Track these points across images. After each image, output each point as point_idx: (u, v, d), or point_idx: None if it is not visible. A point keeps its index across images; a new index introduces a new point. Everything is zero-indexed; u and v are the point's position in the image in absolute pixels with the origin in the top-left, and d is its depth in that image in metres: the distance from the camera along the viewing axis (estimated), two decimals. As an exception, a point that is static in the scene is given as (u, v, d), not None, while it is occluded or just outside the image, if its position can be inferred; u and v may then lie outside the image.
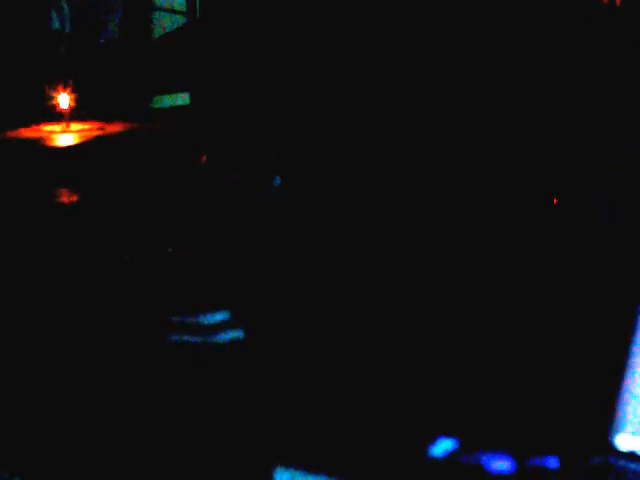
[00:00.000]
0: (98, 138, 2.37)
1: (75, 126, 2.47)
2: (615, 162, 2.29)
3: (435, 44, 2.47)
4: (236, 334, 1.78)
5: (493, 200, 2.30)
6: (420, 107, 2.47)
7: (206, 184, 2.34)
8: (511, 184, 2.33)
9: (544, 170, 2.35)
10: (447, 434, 1.46)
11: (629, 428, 1.37)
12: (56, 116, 2.50)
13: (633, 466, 1.36)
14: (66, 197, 2.21)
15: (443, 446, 1.45)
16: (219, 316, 1.82)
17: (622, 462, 1.36)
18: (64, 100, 2.50)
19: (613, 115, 2.35)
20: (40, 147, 2.36)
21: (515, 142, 2.40)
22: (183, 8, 3.05)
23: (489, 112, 2.43)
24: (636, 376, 1.41)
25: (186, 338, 1.78)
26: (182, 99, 2.93)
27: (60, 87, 2.55)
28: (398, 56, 2.50)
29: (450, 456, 1.43)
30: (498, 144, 2.41)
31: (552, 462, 1.40)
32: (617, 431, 1.38)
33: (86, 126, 2.47)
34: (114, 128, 2.43)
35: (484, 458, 1.41)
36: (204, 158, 2.38)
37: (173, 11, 3.07)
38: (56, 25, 2.95)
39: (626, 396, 1.40)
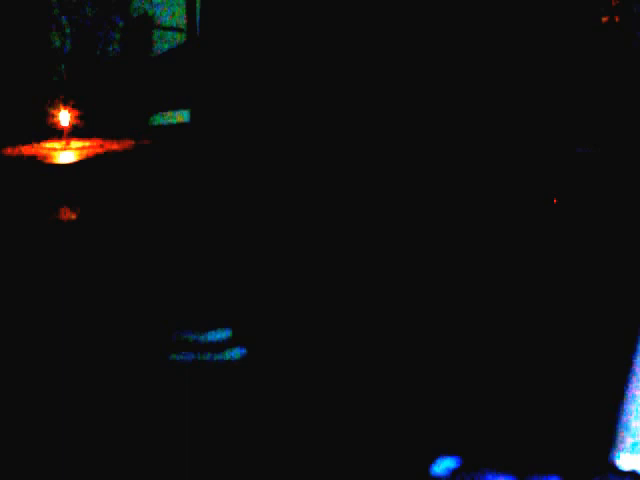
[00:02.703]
0: (99, 155, 2.37)
1: (75, 143, 2.47)
2: (615, 162, 2.29)
3: (435, 44, 2.47)
4: (239, 352, 1.78)
5: (492, 200, 2.30)
6: (419, 107, 2.47)
7: (205, 198, 2.34)
8: (511, 184, 2.33)
9: (544, 170, 2.35)
10: (448, 452, 1.46)
11: (631, 447, 1.37)
12: (56, 133, 2.50)
13: (634, 485, 1.35)
14: (66, 214, 2.21)
15: (444, 465, 1.44)
16: (221, 334, 1.82)
17: (623, 481, 1.36)
18: (64, 117, 2.50)
19: (613, 115, 2.35)
20: (40, 164, 2.36)
21: (515, 142, 2.40)
22: (183, 26, 3.05)
23: (489, 112, 2.43)
24: (638, 393, 1.41)
25: (187, 357, 1.78)
26: (182, 116, 2.94)
27: (60, 104, 2.55)
28: (396, 58, 2.50)
29: (451, 475, 1.43)
30: (498, 144, 2.41)
31: (554, 481, 1.39)
32: (618, 450, 1.38)
33: (86, 143, 2.47)
34: (114, 145, 2.43)
35: (486, 476, 1.41)
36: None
37: (173, 29, 3.07)
38: (56, 43, 2.96)
39: (627, 414, 1.40)
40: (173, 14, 3.12)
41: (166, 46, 3.10)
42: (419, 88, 2.46)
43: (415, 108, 2.45)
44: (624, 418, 1.41)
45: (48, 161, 2.37)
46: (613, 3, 2.39)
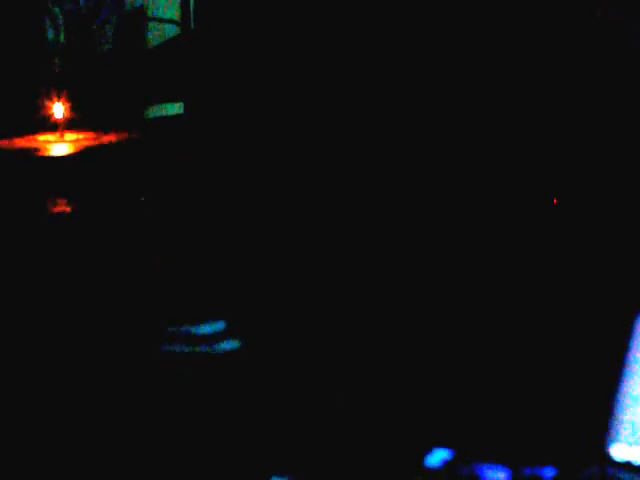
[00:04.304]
0: (93, 148, 2.37)
1: (69, 136, 2.46)
2: (615, 162, 2.29)
3: (435, 44, 2.47)
4: (233, 344, 1.78)
5: (492, 200, 2.30)
6: (419, 107, 2.47)
7: (200, 191, 2.34)
8: (511, 184, 2.33)
9: (544, 170, 2.35)
10: (443, 444, 1.46)
11: (625, 438, 1.37)
12: (50, 126, 2.50)
13: (629, 476, 1.36)
14: (61, 206, 2.21)
15: (439, 456, 1.45)
16: (215, 326, 1.82)
17: (618, 472, 1.36)
18: (58, 110, 2.50)
19: (613, 115, 2.35)
20: (34, 157, 2.36)
21: (515, 142, 2.40)
22: (177, 18, 3.05)
23: (489, 112, 2.43)
24: (632, 385, 1.41)
25: (182, 349, 1.78)
26: (176, 109, 2.93)
27: (54, 97, 2.54)
28: (395, 58, 2.50)
29: (446, 466, 1.43)
30: (498, 144, 2.40)
31: (548, 472, 1.40)
32: (613, 441, 1.38)
33: (80, 136, 2.47)
34: (109, 138, 2.43)
35: (480, 468, 1.41)
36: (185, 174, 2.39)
37: (167, 21, 3.07)
38: (50, 35, 2.95)
39: (622, 406, 1.40)
40: (167, 7, 3.11)
41: (160, 39, 3.09)
42: (418, 85, 2.46)
43: (414, 106, 2.45)
44: (619, 410, 1.42)
45: (42, 153, 2.37)
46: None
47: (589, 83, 2.38)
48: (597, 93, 2.37)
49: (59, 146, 2.41)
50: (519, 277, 1.99)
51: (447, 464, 1.43)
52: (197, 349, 1.77)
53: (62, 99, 2.54)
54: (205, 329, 1.81)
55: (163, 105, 2.96)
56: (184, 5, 2.99)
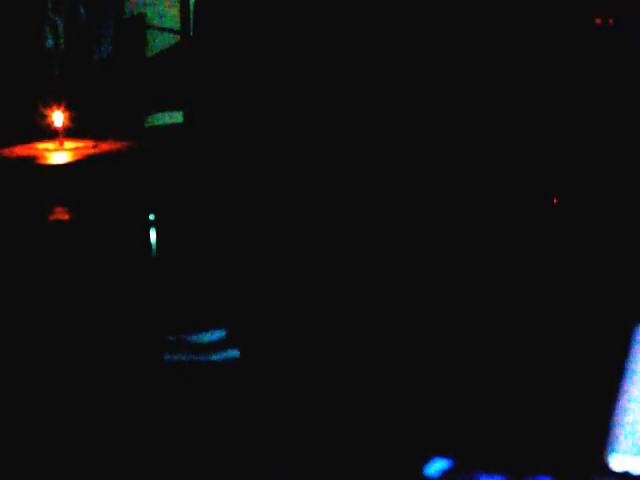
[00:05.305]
0: (92, 156, 2.37)
1: (69, 144, 2.46)
2: (615, 162, 2.29)
3: (434, 44, 2.47)
4: (232, 353, 1.78)
5: (492, 200, 2.30)
6: (419, 107, 2.47)
7: (200, 200, 2.34)
8: (511, 184, 2.33)
9: (544, 170, 2.35)
10: (442, 454, 1.46)
11: (623, 448, 1.38)
12: (50, 134, 2.50)
13: (627, 486, 1.36)
14: (60, 215, 2.21)
15: (438, 466, 1.45)
16: (215, 335, 1.82)
17: (616, 482, 1.37)
18: (58, 118, 2.50)
19: (613, 115, 2.35)
20: (34, 165, 2.35)
21: (515, 142, 2.40)
22: (177, 27, 3.06)
23: (489, 112, 2.43)
24: (630, 396, 1.42)
25: (182, 357, 1.78)
26: (176, 117, 2.94)
27: (54, 105, 2.54)
28: (394, 59, 2.50)
29: (445, 476, 1.43)
30: (498, 144, 2.41)
31: (547, 482, 1.40)
32: (612, 452, 1.38)
33: (80, 144, 2.46)
34: (108, 146, 2.43)
35: (479, 478, 1.42)
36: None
37: (167, 30, 3.07)
38: (50, 43, 2.96)
39: (620, 417, 1.40)
40: (166, 15, 3.12)
41: (159, 47, 3.10)
42: (419, 85, 2.46)
43: (414, 106, 2.46)
44: (617, 420, 1.42)
45: (41, 161, 2.37)
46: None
47: (589, 83, 2.39)
48: (597, 93, 2.38)
49: (58, 154, 2.40)
50: (517, 284, 2.00)
51: (446, 473, 1.43)
52: (197, 358, 1.77)
53: (62, 107, 2.54)
54: (205, 338, 1.81)
55: (162, 113, 2.96)
56: (183, 14, 3.00)
